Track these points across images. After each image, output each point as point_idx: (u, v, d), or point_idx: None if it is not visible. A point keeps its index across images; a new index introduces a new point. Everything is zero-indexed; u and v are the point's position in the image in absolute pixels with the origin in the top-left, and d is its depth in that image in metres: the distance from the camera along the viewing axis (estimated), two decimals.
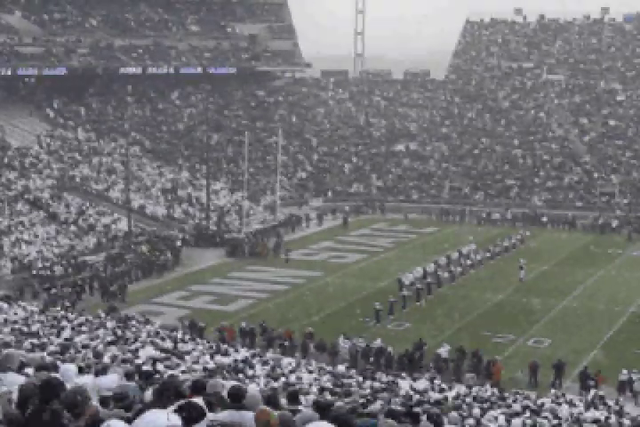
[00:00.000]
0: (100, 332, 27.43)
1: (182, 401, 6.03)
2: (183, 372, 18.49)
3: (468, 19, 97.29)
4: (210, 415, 6.69)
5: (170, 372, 16.90)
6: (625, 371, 30.50)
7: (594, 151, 73.84)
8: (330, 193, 71.68)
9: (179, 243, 54.16)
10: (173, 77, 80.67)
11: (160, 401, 7.00)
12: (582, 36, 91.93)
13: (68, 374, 7.99)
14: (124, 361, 16.92)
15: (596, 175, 70.46)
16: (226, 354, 28.02)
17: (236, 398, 7.47)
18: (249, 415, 6.88)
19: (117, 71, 75.65)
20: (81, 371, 11.27)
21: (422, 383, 26.69)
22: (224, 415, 6.92)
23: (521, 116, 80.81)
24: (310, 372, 26.59)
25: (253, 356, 29.10)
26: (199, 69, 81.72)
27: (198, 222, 59.17)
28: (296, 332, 36.20)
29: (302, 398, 13.58)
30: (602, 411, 25.07)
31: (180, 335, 31.90)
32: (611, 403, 27.46)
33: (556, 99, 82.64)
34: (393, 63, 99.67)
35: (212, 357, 26.59)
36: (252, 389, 9.62)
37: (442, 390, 25.22)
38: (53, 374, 7.30)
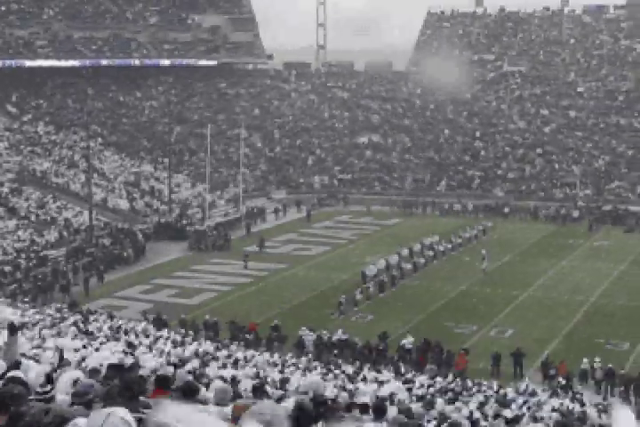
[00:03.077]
0: (62, 327, 27.18)
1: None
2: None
3: (429, 10, 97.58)
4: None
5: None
6: (585, 360, 30.80)
7: (555, 142, 74.41)
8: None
9: (140, 236, 53.79)
10: (134, 69, 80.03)
11: (123, 398, 6.91)
12: (542, 28, 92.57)
13: (30, 370, 7.88)
14: (83, 359, 16.76)
15: (557, 166, 71.05)
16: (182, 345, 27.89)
17: (189, 394, 7.42)
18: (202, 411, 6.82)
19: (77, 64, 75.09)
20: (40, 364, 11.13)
21: (386, 375, 26.77)
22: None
23: (482, 108, 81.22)
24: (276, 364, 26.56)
25: (217, 349, 29.01)
26: (160, 61, 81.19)
27: (160, 218, 58.60)
28: (260, 325, 36.17)
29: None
30: (563, 400, 25.35)
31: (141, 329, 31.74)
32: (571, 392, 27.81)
33: (517, 90, 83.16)
34: (355, 55, 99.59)
35: (175, 349, 26.48)
36: (219, 384, 9.57)
37: (406, 382, 25.31)
38: (14, 373, 7.21)
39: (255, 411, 4.17)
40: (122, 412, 4.29)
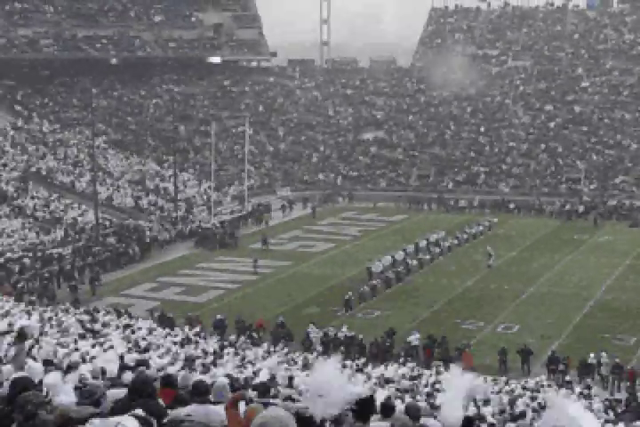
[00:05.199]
0: (68, 326, 27.25)
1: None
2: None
3: (432, 6, 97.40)
4: (174, 412, 6.64)
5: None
6: (592, 355, 30.81)
7: (559, 137, 74.31)
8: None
9: (148, 233, 53.88)
10: (138, 67, 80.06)
11: (132, 398, 6.95)
12: (546, 23, 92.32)
13: (35, 371, 7.92)
14: (89, 359, 16.81)
15: (561, 161, 70.97)
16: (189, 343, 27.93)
17: (201, 392, 7.44)
18: (214, 410, 6.85)
19: (82, 62, 75.27)
20: (49, 365, 11.18)
21: (392, 371, 26.80)
22: (188, 410, 6.88)
23: (487, 103, 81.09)
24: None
25: (223, 347, 29.08)
26: (164, 59, 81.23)
27: (166, 216, 58.65)
28: (267, 322, 36.22)
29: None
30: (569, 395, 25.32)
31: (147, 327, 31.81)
32: (578, 387, 27.81)
33: (521, 85, 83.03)
34: (359, 51, 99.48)
35: (182, 347, 26.56)
36: (222, 381, 9.59)
37: (413, 378, 25.35)
38: (21, 373, 7.25)
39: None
40: (130, 421, 4.33)
